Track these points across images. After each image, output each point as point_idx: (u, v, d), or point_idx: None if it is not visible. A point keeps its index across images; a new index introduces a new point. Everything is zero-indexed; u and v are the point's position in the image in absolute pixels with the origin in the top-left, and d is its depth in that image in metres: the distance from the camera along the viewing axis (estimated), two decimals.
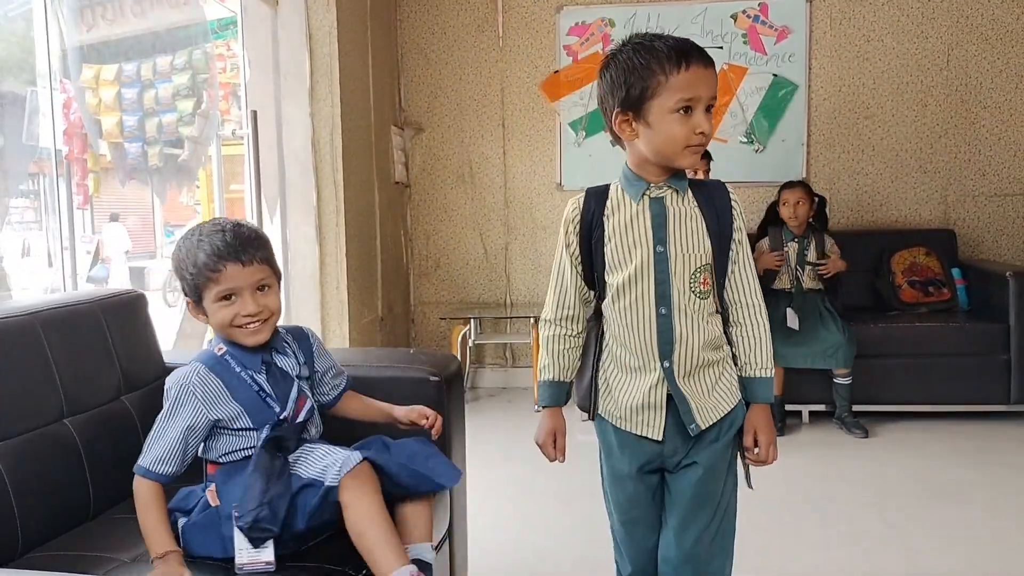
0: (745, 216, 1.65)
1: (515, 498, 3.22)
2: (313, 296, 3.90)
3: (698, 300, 1.58)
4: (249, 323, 1.60)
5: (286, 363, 1.69)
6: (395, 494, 1.62)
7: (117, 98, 4.76)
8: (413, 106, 5.06)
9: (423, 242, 5.14)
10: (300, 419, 1.66)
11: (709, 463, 1.62)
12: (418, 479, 1.62)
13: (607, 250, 1.60)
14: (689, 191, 1.60)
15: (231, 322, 1.60)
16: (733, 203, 1.61)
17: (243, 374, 1.62)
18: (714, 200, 1.60)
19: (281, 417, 1.62)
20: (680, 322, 1.57)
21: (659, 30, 4.98)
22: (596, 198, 1.62)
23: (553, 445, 1.73)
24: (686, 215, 1.58)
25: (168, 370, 1.76)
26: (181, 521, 1.61)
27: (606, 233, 1.60)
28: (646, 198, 1.58)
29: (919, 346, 4.06)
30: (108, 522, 1.75)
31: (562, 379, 1.72)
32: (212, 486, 1.60)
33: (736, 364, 1.64)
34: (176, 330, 5.48)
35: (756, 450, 1.63)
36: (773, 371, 1.64)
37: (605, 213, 1.61)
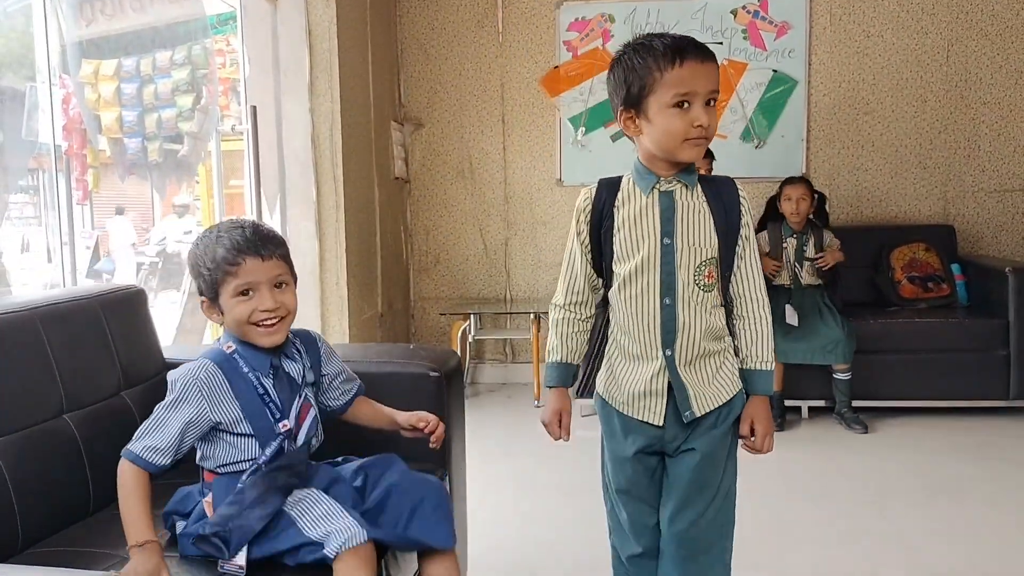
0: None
1: (515, 493, 3.22)
2: (313, 292, 3.90)
3: (702, 292, 1.62)
4: (267, 319, 1.58)
5: (293, 368, 1.67)
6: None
7: (116, 93, 4.76)
8: (413, 102, 5.06)
9: (423, 238, 5.14)
10: (303, 433, 1.63)
11: (707, 449, 1.66)
12: (415, 545, 1.62)
13: (616, 240, 1.65)
14: (699, 186, 1.64)
15: (248, 318, 1.58)
16: (741, 199, 1.65)
17: (250, 375, 1.60)
18: (723, 196, 1.64)
19: (282, 430, 1.59)
20: (683, 313, 1.61)
21: (659, 25, 5.01)
22: (608, 189, 1.68)
23: (559, 424, 1.76)
24: (694, 209, 1.62)
25: (168, 366, 1.76)
26: (180, 525, 1.61)
27: (615, 223, 1.65)
28: (656, 191, 1.63)
29: (918, 342, 4.06)
30: (108, 518, 1.74)
31: (569, 361, 1.76)
32: (209, 496, 1.58)
33: (738, 356, 1.69)
34: (176, 325, 5.48)
35: (752, 439, 1.68)
36: (773, 364, 1.68)
37: (616, 204, 1.65)
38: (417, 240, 5.15)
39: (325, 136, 3.89)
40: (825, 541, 2.72)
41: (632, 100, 1.58)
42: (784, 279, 4.02)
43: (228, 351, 1.61)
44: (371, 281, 4.39)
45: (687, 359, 1.62)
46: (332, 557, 1.46)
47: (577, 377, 1.79)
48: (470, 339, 4.91)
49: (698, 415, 1.64)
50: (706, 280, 1.61)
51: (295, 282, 1.67)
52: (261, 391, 1.60)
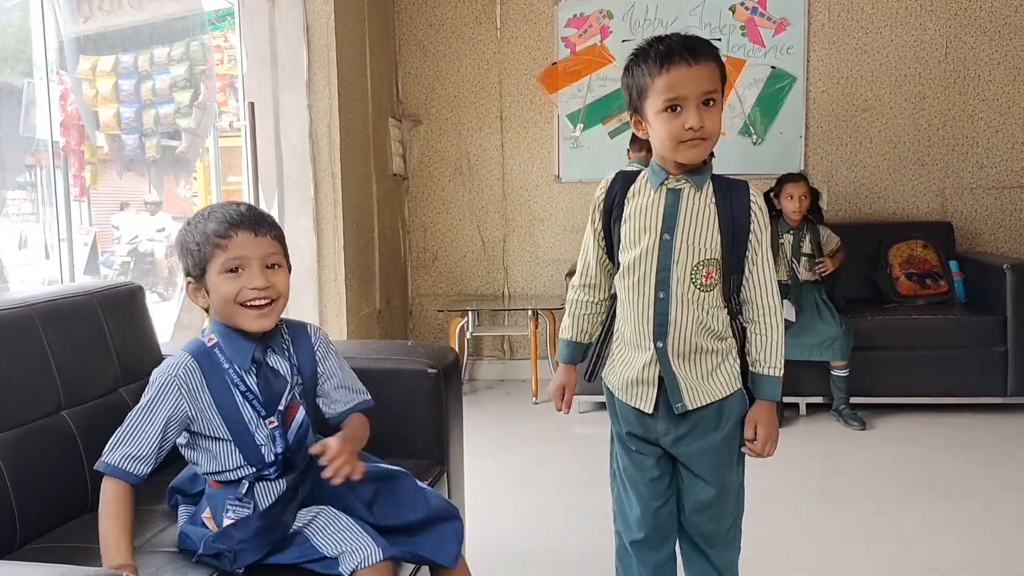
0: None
1: (512, 489, 3.23)
2: (311, 288, 3.90)
3: (699, 291, 1.63)
4: (256, 298, 1.49)
5: (280, 363, 1.58)
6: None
7: (114, 89, 4.74)
8: (411, 98, 5.05)
9: (421, 234, 5.14)
10: (292, 433, 1.55)
11: (712, 452, 1.70)
12: (422, 561, 1.62)
13: (623, 230, 1.69)
14: (711, 187, 1.66)
15: (236, 297, 1.49)
16: (753, 204, 1.66)
17: (230, 371, 1.52)
18: (733, 199, 1.66)
19: (269, 427, 1.52)
20: (675, 308, 1.64)
21: (657, 22, 5.01)
22: (624, 180, 1.73)
23: (561, 397, 1.83)
24: (699, 209, 1.64)
25: None
26: (182, 510, 1.60)
27: (624, 214, 1.69)
28: (664, 188, 1.66)
29: (916, 338, 4.06)
30: None
31: (579, 340, 1.83)
32: (208, 511, 1.55)
33: (744, 358, 1.71)
34: (174, 322, 5.47)
35: (754, 442, 1.69)
36: (781, 371, 1.68)
37: (627, 196, 1.70)
38: (415, 236, 5.15)
39: (323, 132, 3.88)
40: (822, 537, 2.73)
41: (634, 105, 1.65)
42: (782, 275, 4.02)
43: (210, 344, 1.53)
44: (369, 277, 4.39)
45: (679, 353, 1.66)
46: (347, 575, 1.44)
47: (587, 356, 1.84)
48: (468, 335, 4.91)
49: (689, 408, 1.67)
50: (704, 280, 1.63)
51: (289, 270, 1.58)
52: (243, 388, 1.52)
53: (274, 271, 1.52)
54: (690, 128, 1.55)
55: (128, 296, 2.09)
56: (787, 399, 4.09)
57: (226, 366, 1.52)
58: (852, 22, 4.74)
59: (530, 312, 4.60)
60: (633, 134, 4.08)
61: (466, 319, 4.82)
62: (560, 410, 1.84)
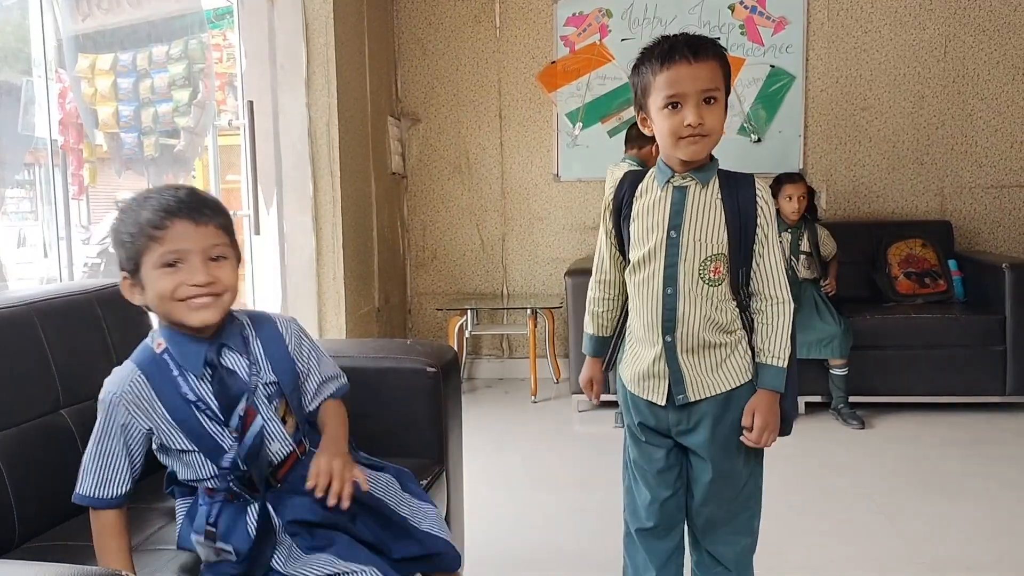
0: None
1: (511, 488, 3.22)
2: (310, 287, 3.89)
3: (707, 286, 1.67)
4: (197, 295, 1.34)
5: (237, 363, 1.44)
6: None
7: (113, 88, 4.74)
8: (410, 96, 5.05)
9: (420, 233, 5.14)
10: (245, 447, 1.41)
11: (719, 441, 1.73)
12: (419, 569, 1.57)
13: (632, 228, 1.73)
14: (717, 182, 1.67)
15: (172, 293, 1.33)
16: (758, 198, 1.68)
17: (179, 379, 1.39)
18: (739, 193, 1.67)
19: (230, 451, 1.41)
20: (683, 304, 1.67)
21: (656, 20, 5.01)
22: (632, 179, 1.77)
23: (591, 389, 1.92)
24: (706, 205, 1.66)
25: None
26: (179, 504, 1.59)
27: (633, 212, 1.73)
28: (670, 186, 1.68)
29: (915, 337, 4.06)
30: None
31: (599, 334, 1.89)
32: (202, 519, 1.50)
33: (752, 350, 1.73)
34: None
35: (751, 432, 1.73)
36: (786, 363, 1.70)
37: (636, 194, 1.73)
38: (414, 235, 5.14)
39: (322, 131, 3.88)
40: (821, 535, 2.73)
41: (639, 103, 1.69)
42: None
43: (159, 350, 1.41)
44: (368, 276, 4.39)
45: (687, 347, 1.69)
46: None
47: (609, 348, 1.89)
48: (467, 334, 4.91)
49: (691, 399, 1.70)
50: (712, 275, 1.66)
51: (238, 262, 1.42)
52: (193, 398, 1.39)
53: (218, 264, 1.37)
54: (688, 125, 1.58)
55: None
56: None
57: (175, 374, 1.40)
58: (851, 21, 4.74)
59: (529, 311, 4.60)
60: (628, 132, 4.09)
61: (465, 318, 4.82)
62: (590, 399, 1.95)
